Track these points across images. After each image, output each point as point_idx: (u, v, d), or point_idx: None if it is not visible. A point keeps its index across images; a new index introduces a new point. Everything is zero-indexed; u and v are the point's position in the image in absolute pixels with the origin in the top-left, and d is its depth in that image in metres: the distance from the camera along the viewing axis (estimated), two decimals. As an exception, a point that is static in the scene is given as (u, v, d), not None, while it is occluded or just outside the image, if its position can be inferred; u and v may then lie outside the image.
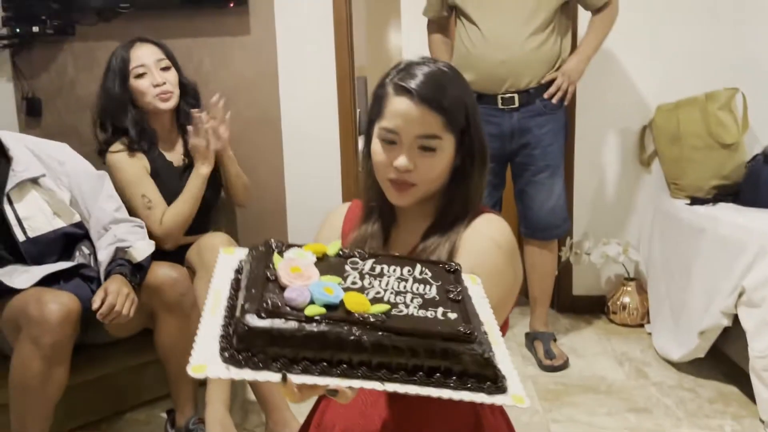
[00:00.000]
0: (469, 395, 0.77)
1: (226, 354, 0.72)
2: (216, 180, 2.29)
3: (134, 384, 2.16)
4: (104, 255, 1.81)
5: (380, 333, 0.75)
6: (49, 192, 1.84)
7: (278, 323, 0.73)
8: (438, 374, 0.76)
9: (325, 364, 0.73)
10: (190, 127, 2.09)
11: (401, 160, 1.08)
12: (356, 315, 0.76)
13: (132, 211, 2.01)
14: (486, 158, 1.15)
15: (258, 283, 0.78)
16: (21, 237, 1.76)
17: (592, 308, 3.03)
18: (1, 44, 2.72)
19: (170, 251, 2.04)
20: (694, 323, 2.27)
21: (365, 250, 0.95)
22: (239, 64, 2.95)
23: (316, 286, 0.78)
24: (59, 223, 1.83)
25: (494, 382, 0.78)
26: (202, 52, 2.84)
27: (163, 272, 1.82)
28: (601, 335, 2.80)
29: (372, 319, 0.75)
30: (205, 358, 0.72)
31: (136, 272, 1.78)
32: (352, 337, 0.73)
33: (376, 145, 1.12)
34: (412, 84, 1.07)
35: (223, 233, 2.02)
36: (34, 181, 1.82)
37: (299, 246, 0.89)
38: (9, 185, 1.76)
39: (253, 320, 0.73)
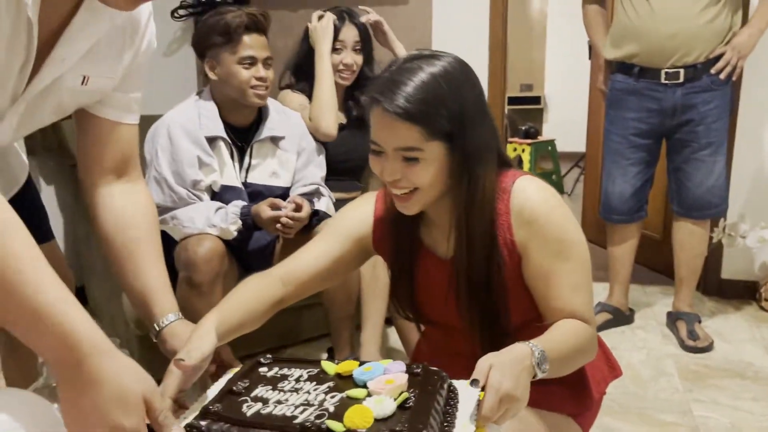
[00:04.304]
0: None
1: None
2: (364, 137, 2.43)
3: (295, 324, 2.40)
4: (300, 191, 2.04)
5: None
6: (282, 152, 2.07)
7: None
8: None
9: None
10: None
11: (385, 174, 1.06)
12: None
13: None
14: (489, 152, 1.09)
15: None
16: (242, 179, 2.00)
17: (742, 294, 2.92)
18: (187, 13, 3.03)
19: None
20: None
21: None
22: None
23: None
24: (273, 182, 2.05)
25: None
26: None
27: None
28: (750, 322, 2.71)
29: None
30: None
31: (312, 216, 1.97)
32: None
33: (371, 156, 1.09)
34: (384, 95, 1.01)
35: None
36: (275, 140, 2.06)
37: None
38: (257, 137, 2.02)
39: None
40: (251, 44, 1.93)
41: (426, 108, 1.01)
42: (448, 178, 1.08)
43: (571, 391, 1.19)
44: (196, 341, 1.02)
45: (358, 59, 2.32)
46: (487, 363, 0.91)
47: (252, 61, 1.93)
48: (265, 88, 1.97)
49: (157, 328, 1.14)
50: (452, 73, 1.05)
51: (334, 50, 2.29)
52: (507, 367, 0.91)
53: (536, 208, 1.09)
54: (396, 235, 1.20)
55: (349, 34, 2.31)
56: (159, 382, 2.46)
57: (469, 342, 1.18)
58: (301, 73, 2.34)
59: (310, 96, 2.29)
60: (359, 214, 1.25)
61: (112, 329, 2.37)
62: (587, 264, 1.13)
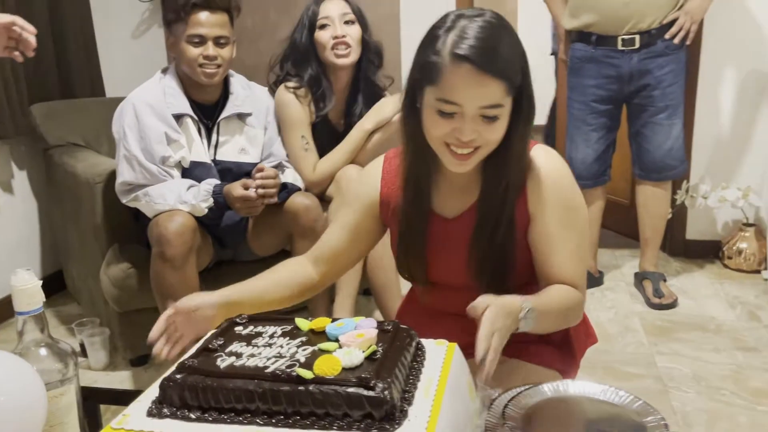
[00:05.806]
0: None
1: None
2: None
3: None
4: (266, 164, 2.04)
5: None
6: (249, 129, 2.09)
7: None
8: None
9: None
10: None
11: (466, 134, 1.03)
12: None
13: (288, 150, 2.18)
14: (533, 114, 1.10)
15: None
16: (211, 156, 2.03)
17: (706, 253, 3.01)
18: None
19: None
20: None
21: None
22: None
23: None
24: (243, 158, 2.08)
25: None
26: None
27: (299, 200, 2.03)
28: (713, 279, 2.81)
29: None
30: None
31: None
32: None
33: (431, 116, 1.05)
34: (471, 51, 0.99)
35: (356, 165, 2.18)
36: (241, 117, 2.08)
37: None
38: (222, 114, 2.04)
39: None
40: (202, 22, 1.92)
41: (508, 61, 1.02)
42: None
43: (559, 351, 1.27)
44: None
45: (352, 31, 2.15)
46: (486, 301, 0.98)
47: (200, 40, 1.93)
48: (216, 67, 1.95)
49: None
50: (507, 26, 1.05)
51: (320, 27, 2.14)
52: (502, 310, 0.98)
53: (549, 174, 1.14)
54: (409, 196, 1.19)
55: (334, 8, 2.15)
56: (139, 358, 2.48)
57: (467, 301, 1.18)
58: (293, 66, 2.20)
59: (305, 85, 2.17)
60: (367, 178, 1.28)
61: (92, 308, 2.41)
62: (586, 234, 1.19)
